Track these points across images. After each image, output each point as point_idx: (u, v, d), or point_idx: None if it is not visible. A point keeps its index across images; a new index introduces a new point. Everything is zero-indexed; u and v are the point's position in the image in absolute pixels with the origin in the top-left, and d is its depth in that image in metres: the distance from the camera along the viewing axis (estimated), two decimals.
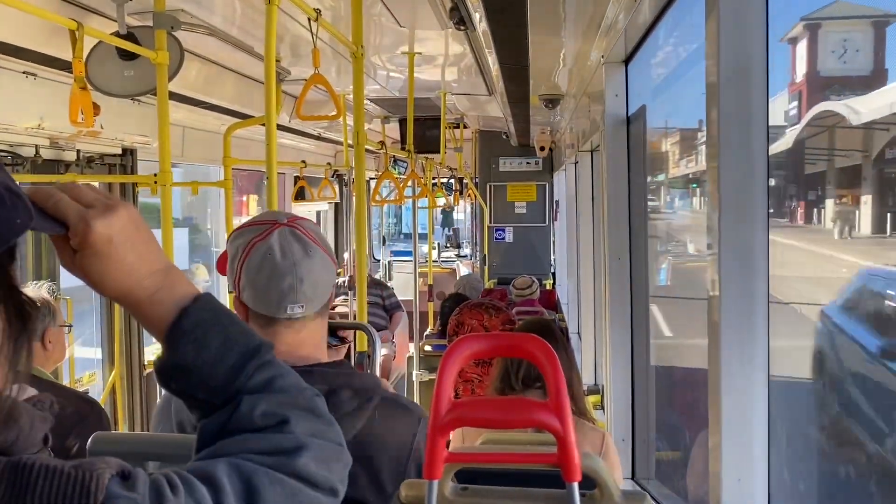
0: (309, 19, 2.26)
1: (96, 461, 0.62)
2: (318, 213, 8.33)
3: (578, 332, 5.59)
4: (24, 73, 2.97)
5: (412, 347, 5.15)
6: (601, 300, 3.30)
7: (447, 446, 1.19)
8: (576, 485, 1.06)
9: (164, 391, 0.88)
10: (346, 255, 8.21)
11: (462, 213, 13.25)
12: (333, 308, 2.42)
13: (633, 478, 2.81)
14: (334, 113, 2.51)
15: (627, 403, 2.73)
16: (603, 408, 3.43)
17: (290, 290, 1.36)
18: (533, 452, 1.13)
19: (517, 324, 4.13)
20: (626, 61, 2.62)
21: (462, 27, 2.68)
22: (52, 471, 0.59)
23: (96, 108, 3.14)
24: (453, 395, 1.09)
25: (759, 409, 1.50)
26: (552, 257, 8.77)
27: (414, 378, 4.43)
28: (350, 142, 4.56)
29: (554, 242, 8.68)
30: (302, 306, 1.37)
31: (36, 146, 3.32)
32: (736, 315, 1.47)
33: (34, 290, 2.31)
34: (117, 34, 2.78)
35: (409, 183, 5.21)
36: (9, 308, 0.66)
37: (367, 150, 3.02)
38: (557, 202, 8.44)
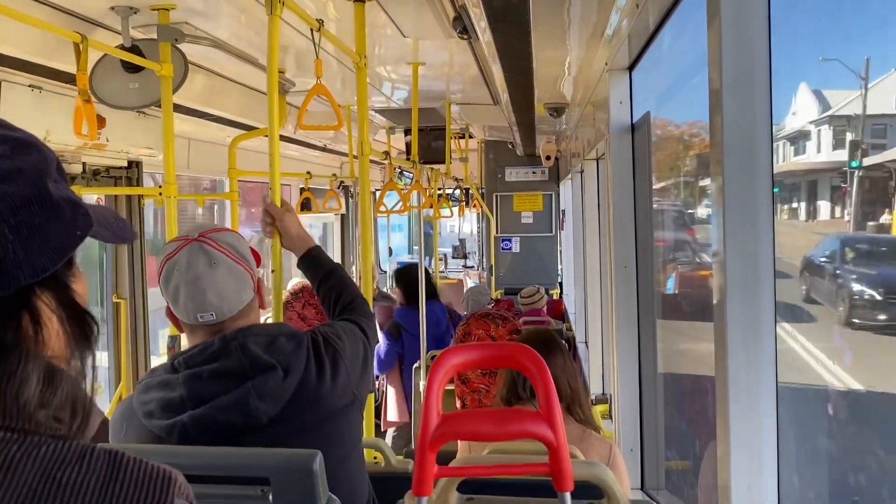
0: (311, 30, 2.26)
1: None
2: (325, 225, 8.34)
3: (586, 342, 5.56)
4: (30, 86, 2.98)
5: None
6: (608, 309, 3.27)
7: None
8: (568, 495, 1.05)
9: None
10: (353, 268, 8.21)
11: (469, 223, 13.22)
12: None
13: (642, 488, 2.77)
14: (336, 123, 2.50)
15: (635, 412, 2.70)
16: (611, 417, 3.40)
17: (196, 302, 1.53)
18: (525, 463, 1.12)
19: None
20: (630, 68, 2.62)
21: (465, 36, 2.68)
22: (139, 461, 0.65)
23: (102, 120, 3.16)
24: (441, 408, 1.08)
25: (767, 415, 1.47)
26: (559, 267, 8.74)
27: (421, 389, 4.41)
28: (355, 152, 4.57)
29: (561, 252, 8.66)
30: (212, 314, 1.54)
31: None
32: (742, 321, 1.45)
33: None
34: (122, 47, 2.79)
35: (415, 193, 5.21)
36: (73, 319, 0.70)
37: (372, 161, 3.03)
38: (564, 211, 8.42)
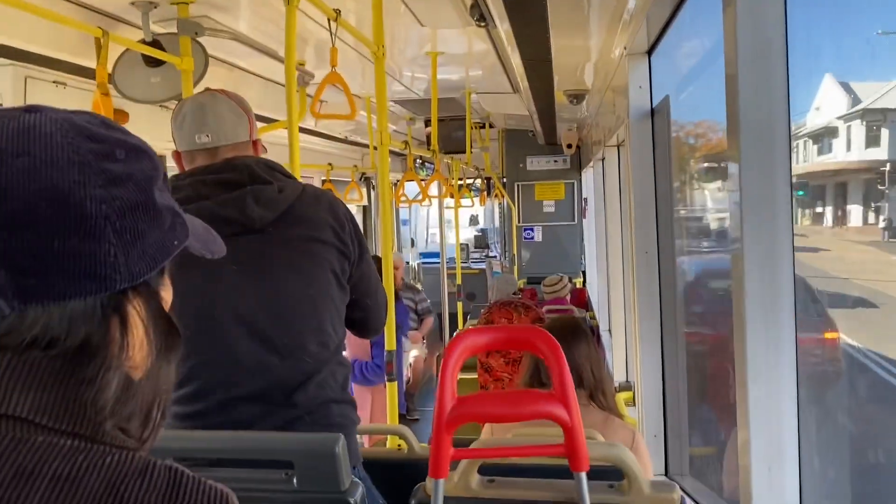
0: (329, 20, 2.27)
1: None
2: None
3: (609, 330, 5.54)
4: (54, 82, 3.03)
5: (442, 349, 5.15)
6: (630, 296, 3.26)
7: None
8: (583, 475, 1.05)
9: None
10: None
11: (490, 212, 13.21)
12: None
13: (666, 474, 2.77)
14: (349, 113, 2.51)
15: (659, 399, 2.69)
16: (635, 404, 3.39)
17: (197, 123, 1.74)
18: (539, 444, 1.12)
19: (546, 321, 4.11)
20: (649, 52, 2.59)
21: (483, 24, 2.67)
22: (197, 479, 0.65)
23: (125, 115, 3.19)
24: (456, 391, 1.08)
25: (787, 399, 1.46)
26: (582, 255, 8.71)
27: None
28: (375, 143, 4.58)
29: (583, 240, 8.62)
30: (208, 136, 1.74)
31: None
32: (761, 306, 1.44)
33: None
34: (143, 41, 2.82)
35: (435, 183, 5.21)
36: (159, 331, 0.70)
37: (393, 153, 3.05)
38: (586, 199, 8.38)
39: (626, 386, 3.90)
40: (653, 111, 2.62)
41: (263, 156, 1.93)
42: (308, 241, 1.68)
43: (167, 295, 0.72)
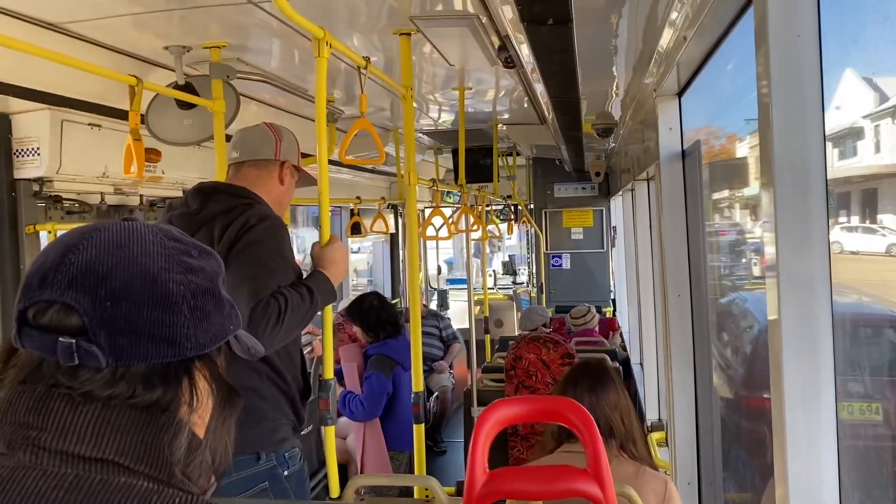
0: (358, 67, 2.29)
1: None
2: (374, 245, 8.40)
3: (641, 363, 5.46)
4: (89, 124, 3.09)
5: (470, 379, 5.10)
6: (662, 336, 3.21)
7: None
8: None
9: None
10: (402, 287, 8.24)
11: (517, 239, 13.17)
12: None
13: None
14: (377, 157, 2.53)
15: (692, 447, 2.63)
16: (668, 445, 3.32)
17: (233, 142, 2.34)
18: None
19: (576, 358, 4.06)
20: (680, 94, 2.57)
21: (511, 66, 2.67)
22: None
23: (157, 154, 3.25)
24: (487, 464, 1.06)
25: (827, 454, 1.41)
26: (611, 283, 8.62)
27: (473, 415, 4.36)
28: (402, 172, 4.60)
29: (613, 268, 8.54)
30: (236, 152, 2.35)
31: (101, 193, 3.44)
32: (797, 341, 1.39)
33: None
34: (175, 84, 2.87)
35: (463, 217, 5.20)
36: (221, 393, 0.84)
37: (420, 179, 3.06)
38: (615, 228, 8.31)
39: (659, 426, 3.83)
40: (683, 153, 2.60)
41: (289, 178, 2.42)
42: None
43: (222, 365, 0.86)
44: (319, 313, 2.11)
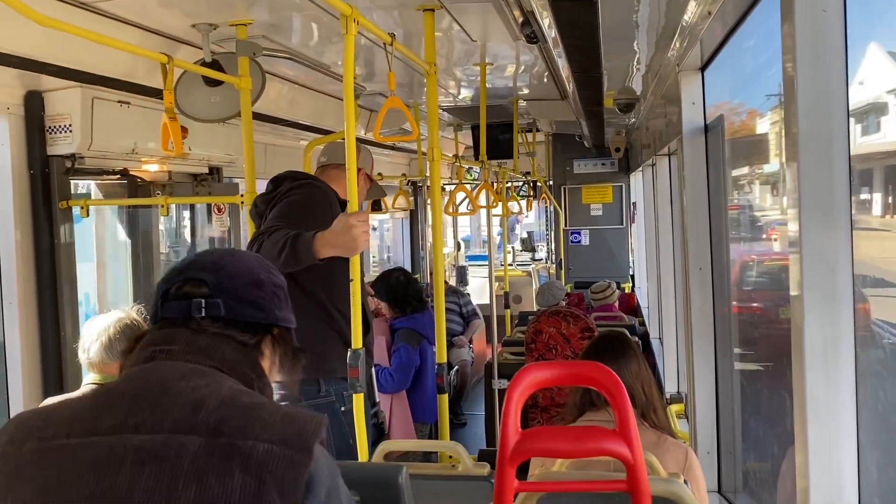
0: (384, 44, 2.32)
1: None
2: (393, 221, 8.44)
3: (660, 338, 5.49)
4: (118, 101, 3.15)
5: (490, 354, 5.16)
6: (682, 308, 3.24)
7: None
8: None
9: None
10: (424, 263, 8.30)
11: (535, 217, 13.16)
12: None
13: (719, 491, 2.75)
14: (411, 132, 2.57)
15: (712, 416, 2.67)
16: (687, 417, 3.36)
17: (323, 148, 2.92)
18: (604, 480, 1.14)
19: (596, 332, 4.09)
20: (703, 69, 2.58)
21: (534, 41, 2.69)
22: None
23: (185, 131, 3.30)
24: (520, 425, 1.11)
25: (846, 425, 1.45)
26: (631, 259, 8.62)
27: (494, 387, 4.43)
28: (424, 149, 4.62)
29: (632, 244, 8.53)
30: (325, 157, 2.94)
31: (125, 169, 3.51)
32: (818, 316, 1.42)
33: (125, 311, 2.40)
34: (203, 62, 2.91)
35: (483, 192, 5.24)
36: (289, 349, 1.26)
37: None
38: (635, 203, 8.28)
39: (678, 398, 3.88)
40: (706, 127, 2.61)
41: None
42: None
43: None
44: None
